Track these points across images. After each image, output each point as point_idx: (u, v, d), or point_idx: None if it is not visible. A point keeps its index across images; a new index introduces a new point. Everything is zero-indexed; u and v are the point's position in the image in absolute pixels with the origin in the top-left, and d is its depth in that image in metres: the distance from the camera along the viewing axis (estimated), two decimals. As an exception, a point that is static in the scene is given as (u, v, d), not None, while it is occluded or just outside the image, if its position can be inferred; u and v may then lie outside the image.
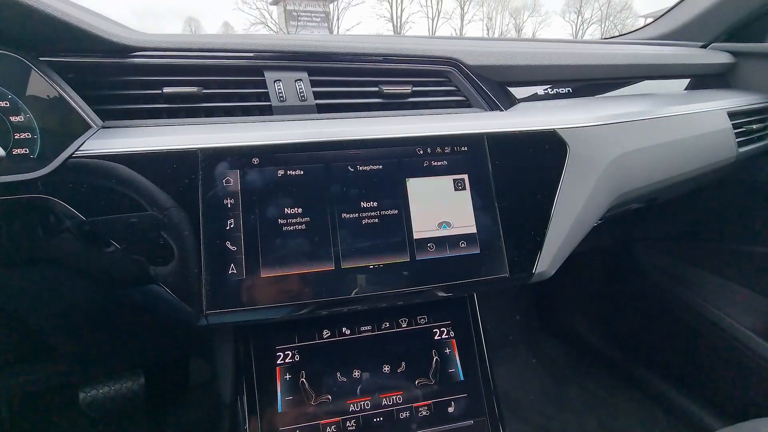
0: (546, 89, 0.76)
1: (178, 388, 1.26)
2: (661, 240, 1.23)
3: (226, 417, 0.68)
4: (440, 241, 0.54)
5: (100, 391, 1.11)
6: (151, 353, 0.93)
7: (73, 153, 0.48)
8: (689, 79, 0.94)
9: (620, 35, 1.13)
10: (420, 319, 0.65)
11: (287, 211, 0.52)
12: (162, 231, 0.49)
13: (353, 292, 0.51)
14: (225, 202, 0.51)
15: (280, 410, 0.58)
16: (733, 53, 0.97)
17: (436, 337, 0.65)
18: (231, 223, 0.50)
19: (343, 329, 0.63)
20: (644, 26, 1.07)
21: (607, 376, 1.38)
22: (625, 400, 1.30)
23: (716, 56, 0.95)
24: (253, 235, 0.50)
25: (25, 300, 0.56)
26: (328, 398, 0.59)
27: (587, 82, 0.79)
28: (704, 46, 0.99)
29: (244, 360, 0.60)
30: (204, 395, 1.28)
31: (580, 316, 1.49)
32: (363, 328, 0.64)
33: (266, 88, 0.61)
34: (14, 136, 0.48)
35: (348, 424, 0.58)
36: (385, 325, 0.64)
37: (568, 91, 0.78)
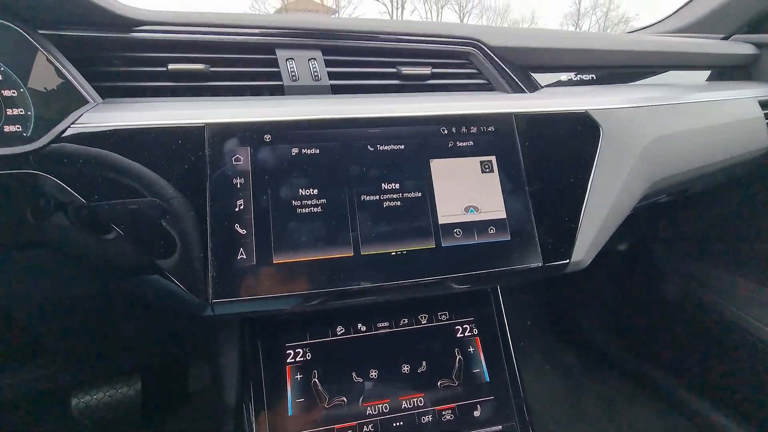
0: (570, 76, 0.72)
1: (177, 393, 1.20)
2: (680, 240, 1.18)
3: (230, 422, 0.63)
4: (467, 227, 0.50)
5: (94, 396, 1.05)
6: (149, 354, 0.87)
7: (69, 126, 0.44)
8: (710, 72, 0.90)
9: (641, 28, 1.10)
10: (441, 315, 0.60)
11: (302, 192, 0.48)
12: (165, 213, 0.44)
13: (374, 282, 0.47)
14: (234, 181, 0.46)
15: (290, 413, 0.53)
16: (757, 44, 0.93)
17: (458, 335, 0.60)
18: (240, 205, 0.46)
19: (359, 326, 0.58)
20: (664, 19, 1.05)
21: (625, 383, 1.32)
22: (645, 408, 1.24)
23: (740, 47, 0.92)
24: (265, 218, 0.46)
25: (11, 289, 0.51)
26: (343, 400, 0.54)
27: (612, 69, 0.76)
28: (726, 38, 0.96)
29: (251, 359, 0.55)
30: (206, 400, 1.21)
31: (594, 320, 1.44)
32: (380, 325, 0.59)
33: (278, 67, 0.58)
34: (6, 111, 0.44)
35: (365, 429, 0.53)
36: (404, 321, 0.59)
37: (592, 78, 0.74)
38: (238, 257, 0.45)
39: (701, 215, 1.08)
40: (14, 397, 1.12)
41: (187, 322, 0.69)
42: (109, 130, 0.45)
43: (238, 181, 0.46)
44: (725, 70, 0.92)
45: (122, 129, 0.45)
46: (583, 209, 0.53)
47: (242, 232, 0.45)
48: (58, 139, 0.43)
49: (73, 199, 0.43)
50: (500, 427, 0.56)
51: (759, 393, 1.04)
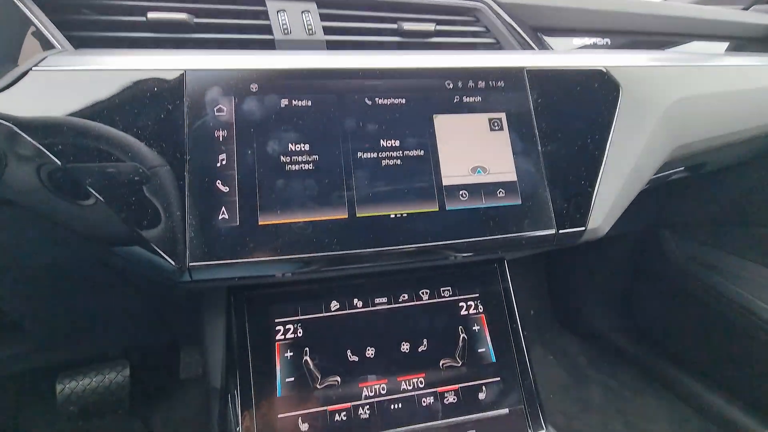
0: (584, 41, 0.68)
1: (167, 380, 1.16)
2: (690, 225, 1.13)
3: (216, 404, 0.59)
4: (474, 189, 0.45)
5: (81, 382, 1.01)
6: (134, 335, 0.83)
7: (31, 69, 0.39)
8: (728, 44, 0.85)
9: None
10: (444, 291, 0.56)
11: (291, 147, 0.43)
12: (136, 165, 0.40)
13: (370, 247, 0.42)
14: (216, 134, 0.42)
15: (279, 394, 0.48)
16: (778, 15, 0.88)
17: (462, 312, 0.55)
18: (223, 160, 0.41)
19: (355, 301, 0.54)
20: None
21: (632, 374, 1.28)
22: (652, 399, 1.20)
23: (760, 17, 0.87)
24: (250, 175, 0.41)
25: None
26: (337, 381, 0.50)
27: (628, 35, 0.71)
28: (746, 8, 0.91)
29: (238, 336, 0.50)
30: (194, 384, 1.17)
31: (599, 310, 1.39)
32: (378, 301, 0.54)
33: (268, 19, 0.53)
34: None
35: (360, 411, 0.49)
36: (403, 297, 0.55)
37: (607, 43, 0.69)
38: (220, 217, 0.40)
39: (714, 198, 1.03)
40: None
41: (169, 295, 0.64)
42: (78, 72, 0.40)
43: (221, 134, 0.42)
44: (743, 43, 0.87)
45: (92, 71, 0.40)
46: (600, 173, 0.48)
47: (224, 189, 0.41)
48: (21, 80, 0.39)
49: (35, 149, 0.39)
50: (507, 410, 0.51)
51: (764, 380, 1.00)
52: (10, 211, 0.42)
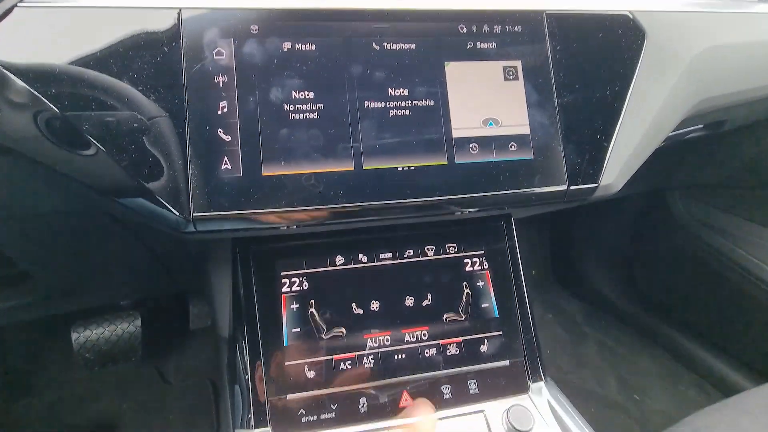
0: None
1: (177, 331, 1.20)
2: (700, 188, 1.11)
3: (225, 352, 0.61)
4: (485, 142, 0.44)
5: (94, 331, 1.05)
6: (142, 286, 0.85)
7: (15, 5, 0.37)
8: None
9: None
10: (449, 247, 0.56)
11: (295, 94, 0.41)
12: (134, 113, 0.38)
13: (376, 200, 0.41)
14: (216, 79, 0.40)
15: (285, 344, 0.49)
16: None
17: (467, 269, 0.55)
18: (223, 107, 0.40)
19: (360, 256, 0.54)
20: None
21: (628, 333, 1.31)
22: (646, 357, 1.24)
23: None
24: (252, 123, 0.40)
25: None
26: (342, 332, 0.51)
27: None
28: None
29: (244, 288, 0.51)
30: (204, 334, 1.22)
31: (600, 270, 1.40)
32: (383, 256, 0.54)
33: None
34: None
35: (365, 360, 0.50)
36: (409, 253, 0.55)
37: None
38: (222, 167, 0.39)
39: (726, 160, 1.00)
40: (16, 329, 1.12)
41: (176, 247, 0.65)
42: (63, 10, 0.37)
43: (221, 79, 0.40)
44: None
45: (79, 9, 0.38)
46: (617, 127, 0.46)
47: (226, 138, 0.39)
48: (2, 17, 0.36)
49: (26, 93, 0.37)
50: (508, 362, 0.52)
51: (764, 341, 1.02)
52: (12, 159, 0.41)
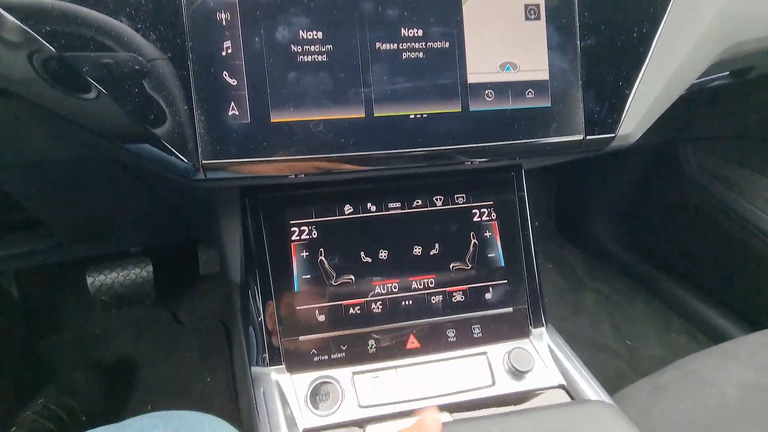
0: None
1: (188, 276, 1.24)
2: (713, 140, 1.08)
3: (238, 298, 0.63)
4: (501, 88, 0.42)
5: (108, 276, 1.08)
6: (149, 230, 0.86)
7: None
8: None
9: None
10: (458, 198, 0.55)
11: (302, 35, 0.39)
12: (134, 54, 0.36)
13: (387, 148, 0.40)
14: (218, 16, 0.37)
15: (296, 290, 0.51)
16: None
17: (475, 219, 0.56)
18: (228, 48, 0.38)
19: (368, 205, 0.54)
20: None
21: (627, 283, 1.34)
22: (642, 306, 1.28)
23: None
24: (258, 65, 0.38)
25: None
26: (351, 279, 0.52)
27: None
28: None
29: (255, 236, 0.52)
30: (215, 282, 1.26)
31: (603, 222, 1.41)
32: (391, 206, 0.54)
33: None
34: None
35: (373, 306, 0.52)
36: (417, 203, 0.55)
37: None
38: (230, 113, 0.38)
39: (745, 111, 0.97)
40: (33, 273, 1.16)
41: (185, 194, 0.65)
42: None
43: (223, 16, 0.37)
44: None
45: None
46: (641, 73, 0.43)
47: (232, 82, 0.38)
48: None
49: (20, 33, 0.35)
50: (511, 309, 0.54)
51: (760, 294, 1.05)
52: (15, 103, 0.39)
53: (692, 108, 0.98)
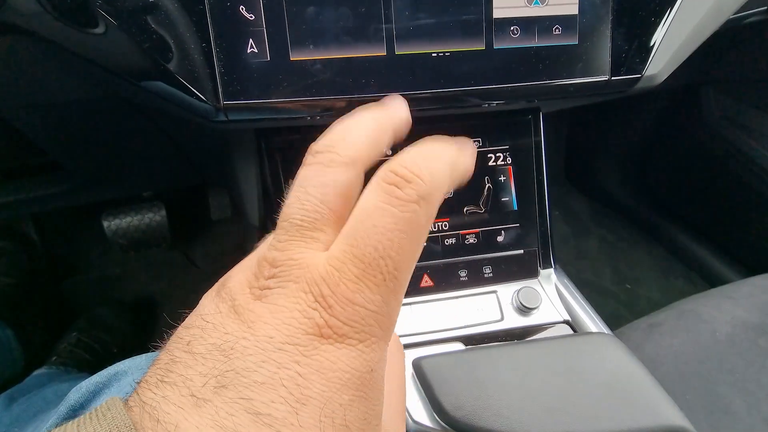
0: None
1: (201, 220, 1.27)
2: (736, 83, 1.04)
3: (255, 240, 0.65)
4: (528, 24, 0.40)
5: (123, 220, 1.11)
6: (162, 174, 0.87)
7: None
8: None
9: None
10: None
11: (321, -36, 0.36)
12: (149, -16, 0.34)
13: (410, 89, 0.40)
14: (232, -57, 0.35)
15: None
16: None
17: (490, 163, 0.56)
18: (243, -21, 0.36)
19: (384, 149, 0.53)
20: None
21: (631, 231, 1.37)
22: (643, 252, 1.31)
23: None
24: (276, 0, 0.36)
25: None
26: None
27: None
28: None
29: (272, 178, 0.52)
30: (226, 226, 1.29)
31: (612, 169, 1.40)
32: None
33: None
34: None
35: (389, 247, 0.54)
36: (433, 146, 0.54)
37: None
38: (249, 50, 0.37)
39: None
40: (50, 215, 1.19)
41: (199, 138, 0.65)
42: None
43: (237, -58, 0.35)
44: None
45: None
46: (677, 5, 0.41)
47: (250, 17, 0.36)
48: None
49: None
50: (522, 251, 0.56)
51: (759, 237, 1.07)
52: (24, 40, 0.38)
53: (719, 49, 0.93)
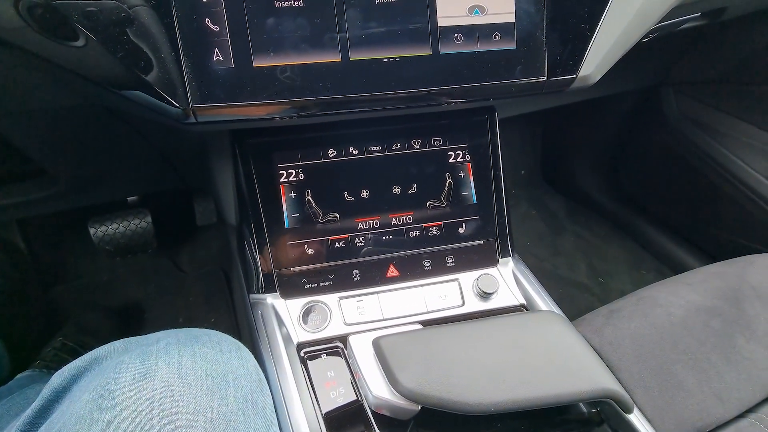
0: None
1: (186, 226, 1.29)
2: (694, 84, 1.10)
3: (234, 239, 0.68)
4: (470, 31, 0.44)
5: (109, 227, 1.13)
6: (145, 181, 0.90)
7: None
8: None
9: None
10: (434, 140, 0.59)
11: (279, -20, 0.40)
12: (118, 2, 0.38)
13: (363, 91, 0.44)
14: (197, -38, 0.39)
15: (287, 226, 0.56)
16: None
17: (450, 160, 0.60)
18: (208, -6, 0.40)
19: (351, 149, 0.58)
20: None
21: (605, 227, 1.42)
22: (617, 247, 1.36)
23: None
24: (239, 12, 0.40)
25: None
26: (336, 216, 0.57)
27: None
28: None
29: (246, 180, 0.56)
30: (211, 232, 1.32)
31: (586, 169, 1.46)
32: (372, 149, 0.58)
33: None
34: None
35: (357, 240, 0.57)
36: (396, 145, 0.59)
37: None
38: (214, 59, 0.41)
39: (724, 54, 0.98)
40: (36, 222, 1.21)
41: (177, 141, 0.68)
42: None
43: (202, -38, 0.39)
44: None
45: None
46: (603, 15, 0.46)
47: (215, 28, 0.40)
48: None
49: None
50: (481, 241, 0.60)
51: (729, 232, 1.12)
52: (13, 52, 0.42)
53: (675, 52, 0.99)
